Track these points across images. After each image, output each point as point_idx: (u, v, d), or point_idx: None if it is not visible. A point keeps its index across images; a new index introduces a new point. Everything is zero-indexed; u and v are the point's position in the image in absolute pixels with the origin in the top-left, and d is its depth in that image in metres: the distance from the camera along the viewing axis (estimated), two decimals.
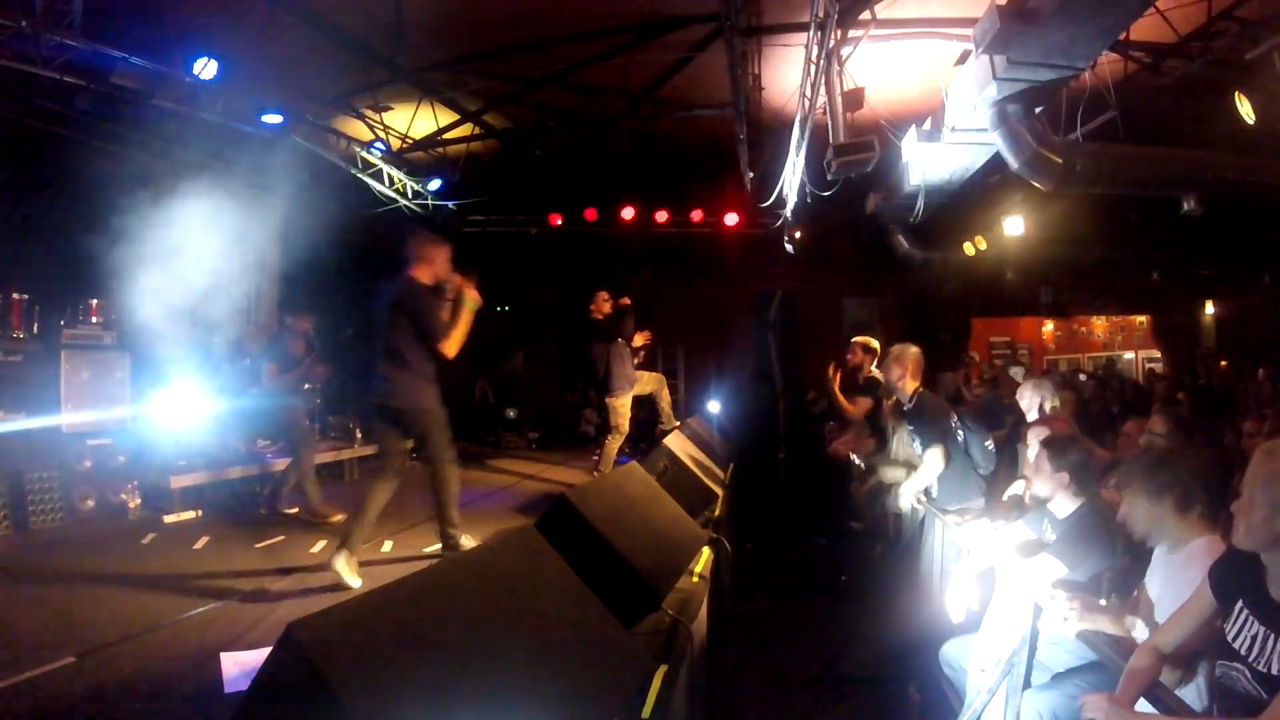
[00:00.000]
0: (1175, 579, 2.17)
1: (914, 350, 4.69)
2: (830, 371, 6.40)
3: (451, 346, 4.09)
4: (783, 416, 8.22)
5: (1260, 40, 4.95)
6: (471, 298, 4.22)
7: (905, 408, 4.72)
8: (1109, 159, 5.24)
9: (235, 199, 8.68)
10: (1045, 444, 3.01)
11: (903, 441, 5.09)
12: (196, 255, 7.87)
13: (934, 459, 4.37)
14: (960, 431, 4.56)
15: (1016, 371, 8.29)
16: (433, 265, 4.27)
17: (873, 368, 6.29)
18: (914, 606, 3.97)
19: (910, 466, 4.79)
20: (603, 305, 6.89)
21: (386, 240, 10.89)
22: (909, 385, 4.62)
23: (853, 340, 6.57)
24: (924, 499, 4.39)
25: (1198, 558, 2.11)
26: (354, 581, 3.84)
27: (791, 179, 6.85)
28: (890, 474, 5.04)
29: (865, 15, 5.02)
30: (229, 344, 7.26)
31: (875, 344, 6.42)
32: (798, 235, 9.21)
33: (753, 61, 6.46)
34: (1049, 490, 2.96)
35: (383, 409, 4.13)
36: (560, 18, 6.33)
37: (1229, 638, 1.80)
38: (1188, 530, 2.22)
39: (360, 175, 8.52)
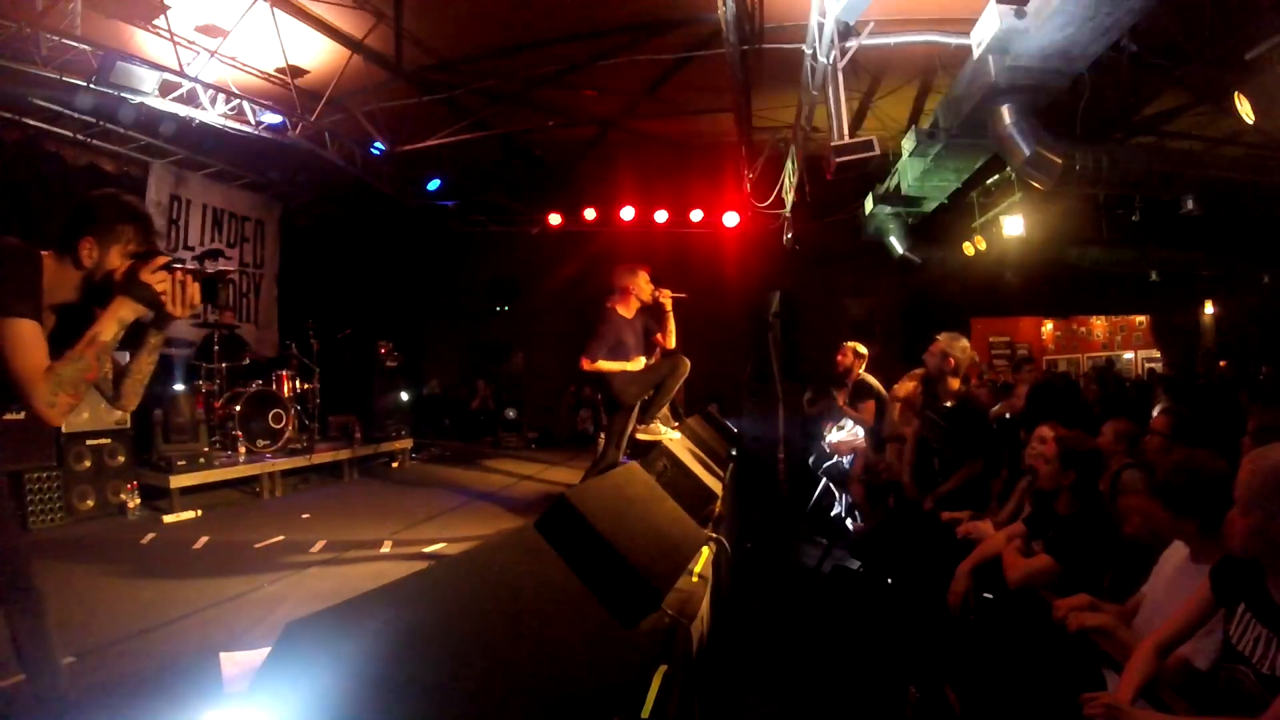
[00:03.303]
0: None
1: (964, 344, 4.39)
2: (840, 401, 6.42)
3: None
4: (782, 416, 8.21)
5: (1260, 40, 4.94)
6: (664, 295, 5.01)
7: (946, 405, 4.42)
8: (1109, 159, 5.24)
9: (235, 198, 8.73)
10: (1057, 441, 3.01)
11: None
12: (196, 254, 7.89)
13: (973, 469, 4.21)
14: None
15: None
16: (631, 294, 4.98)
17: (861, 371, 6.33)
18: (915, 605, 3.96)
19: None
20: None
21: (386, 240, 10.96)
22: (953, 382, 4.34)
23: (844, 344, 6.59)
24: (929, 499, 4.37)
25: None
26: (671, 434, 5.05)
27: (791, 179, 6.85)
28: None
29: (865, 15, 5.01)
30: (228, 342, 7.28)
31: (864, 349, 6.47)
32: (792, 236, 9.22)
33: (752, 61, 6.45)
34: (1053, 487, 2.96)
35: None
36: (560, 18, 6.32)
37: (1232, 639, 1.81)
38: (1214, 545, 2.18)
39: (360, 175, 8.52)
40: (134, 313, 1.99)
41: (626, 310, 4.99)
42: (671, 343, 5.13)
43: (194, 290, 2.06)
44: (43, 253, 1.99)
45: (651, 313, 5.11)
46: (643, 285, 4.99)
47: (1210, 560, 2.13)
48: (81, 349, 1.91)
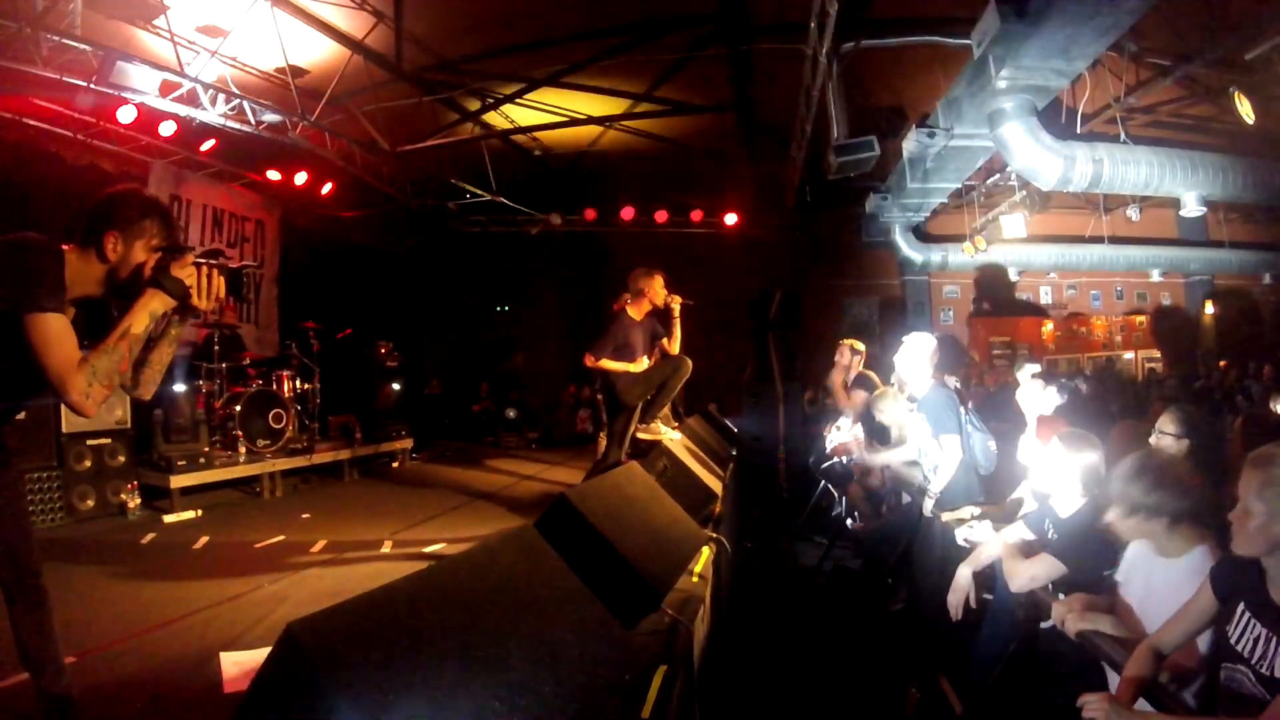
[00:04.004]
0: (1178, 587, 2.14)
1: (931, 339, 4.55)
2: (836, 379, 6.42)
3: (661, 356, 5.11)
4: (783, 416, 8.22)
5: (1260, 40, 4.95)
6: (675, 301, 5.03)
7: (917, 398, 4.55)
8: (1109, 159, 5.25)
9: (235, 198, 8.73)
10: (1060, 439, 3.00)
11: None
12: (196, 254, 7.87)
13: (951, 447, 4.26)
14: (968, 426, 4.52)
15: (1030, 369, 8.22)
16: (645, 296, 4.96)
17: (860, 367, 6.33)
18: (914, 606, 3.96)
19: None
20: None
21: (387, 240, 10.96)
22: (922, 375, 4.46)
23: (840, 341, 6.59)
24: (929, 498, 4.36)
25: (1198, 571, 2.10)
26: (671, 434, 5.20)
27: (792, 178, 6.85)
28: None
29: (865, 15, 5.02)
30: (228, 342, 7.27)
31: (861, 346, 6.47)
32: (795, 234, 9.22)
33: (752, 62, 6.45)
34: (1055, 486, 2.95)
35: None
36: (560, 18, 6.33)
37: (1231, 639, 1.80)
38: (1182, 541, 2.20)
39: (360, 175, 8.52)
40: (164, 305, 2.04)
41: (637, 312, 5.02)
42: (676, 348, 5.16)
43: (220, 284, 2.12)
44: (64, 247, 2.02)
45: (660, 316, 5.14)
46: (657, 289, 5.02)
47: (1175, 555, 2.19)
48: (114, 341, 1.95)
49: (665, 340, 5.15)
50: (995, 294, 12.23)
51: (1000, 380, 9.06)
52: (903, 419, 4.98)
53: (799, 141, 6.34)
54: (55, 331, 1.86)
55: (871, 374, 6.30)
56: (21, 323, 1.84)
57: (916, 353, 4.47)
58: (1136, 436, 3.55)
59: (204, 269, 2.08)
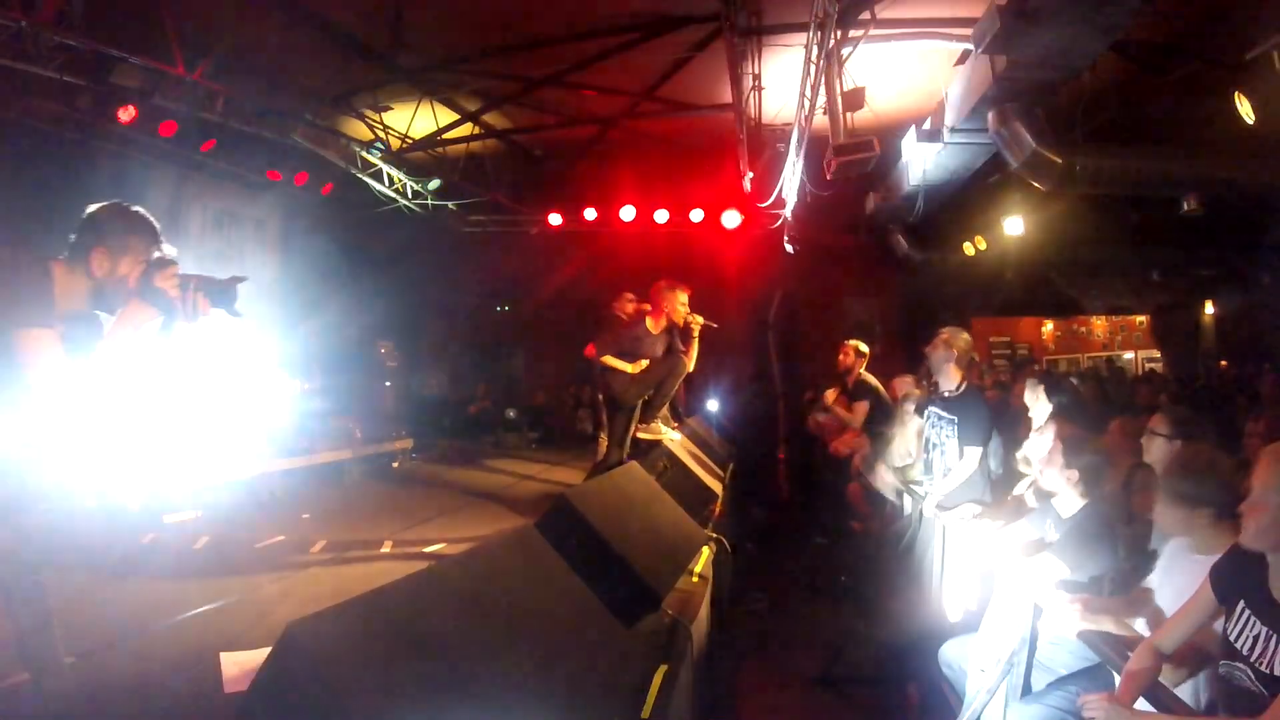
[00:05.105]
0: None
1: (966, 336, 4.44)
2: (829, 398, 6.39)
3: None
4: (782, 416, 8.21)
5: (1260, 40, 4.94)
6: (695, 321, 5.02)
7: (947, 395, 4.41)
8: (1109, 159, 5.25)
9: (235, 198, 8.74)
10: (1061, 439, 2.99)
11: (907, 434, 5.05)
12: (196, 254, 7.89)
13: (971, 459, 4.18)
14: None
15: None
16: (663, 311, 4.93)
17: (862, 370, 6.28)
18: (914, 606, 3.96)
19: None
20: (625, 305, 6.74)
21: (386, 240, 10.97)
22: (955, 373, 4.35)
23: (845, 342, 6.51)
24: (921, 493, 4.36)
25: None
26: (671, 434, 5.38)
27: (791, 179, 6.84)
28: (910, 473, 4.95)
29: (865, 15, 5.02)
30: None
31: (865, 347, 6.40)
32: (792, 238, 9.21)
33: (752, 61, 6.45)
34: (1056, 486, 2.94)
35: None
36: (560, 18, 6.33)
37: (1231, 637, 1.80)
38: (1222, 536, 2.16)
39: (360, 175, 8.52)
40: (148, 316, 2.08)
41: (654, 325, 5.00)
42: (692, 366, 5.15)
43: (205, 305, 2.17)
44: (53, 262, 2.05)
45: (680, 331, 5.13)
46: (677, 307, 4.97)
47: (1213, 551, 2.14)
48: (103, 355, 2.01)
49: (682, 356, 5.13)
50: (995, 294, 12.22)
51: (997, 380, 9.05)
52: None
53: (799, 141, 6.33)
54: (44, 346, 1.92)
55: (871, 379, 6.27)
56: (10, 337, 1.88)
57: (951, 346, 4.38)
58: (1133, 433, 3.56)
59: (189, 293, 2.13)
